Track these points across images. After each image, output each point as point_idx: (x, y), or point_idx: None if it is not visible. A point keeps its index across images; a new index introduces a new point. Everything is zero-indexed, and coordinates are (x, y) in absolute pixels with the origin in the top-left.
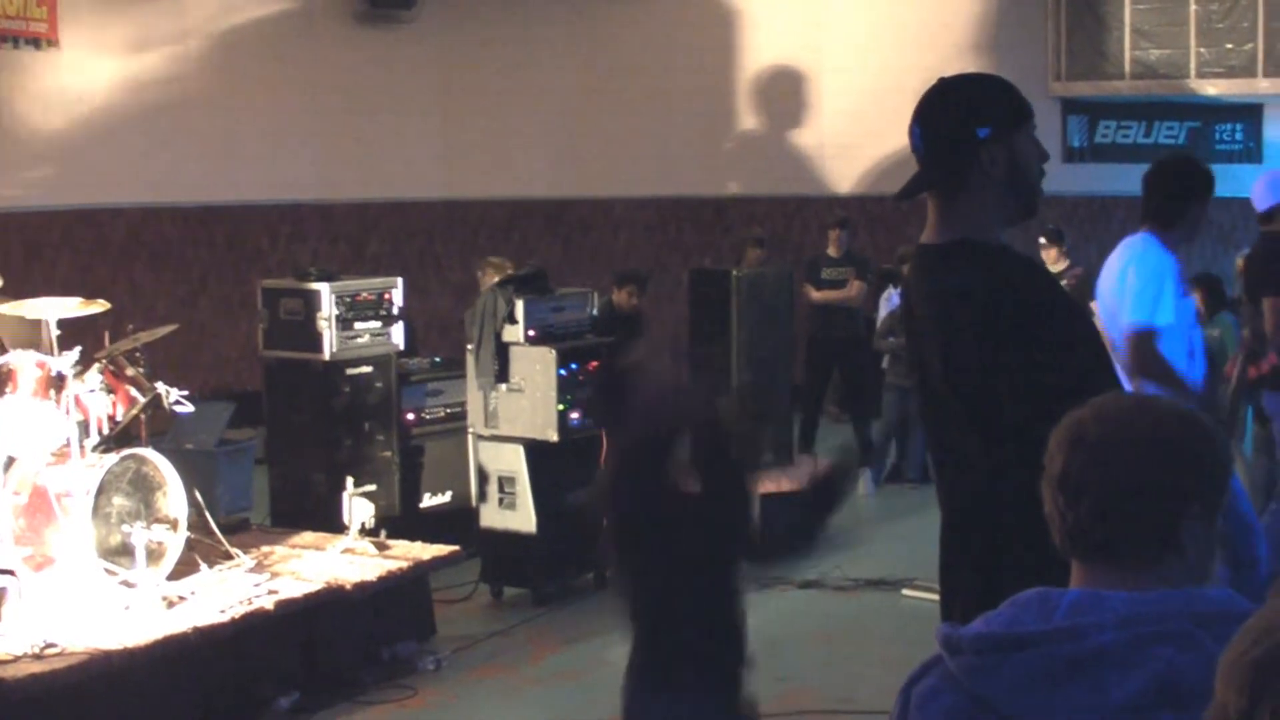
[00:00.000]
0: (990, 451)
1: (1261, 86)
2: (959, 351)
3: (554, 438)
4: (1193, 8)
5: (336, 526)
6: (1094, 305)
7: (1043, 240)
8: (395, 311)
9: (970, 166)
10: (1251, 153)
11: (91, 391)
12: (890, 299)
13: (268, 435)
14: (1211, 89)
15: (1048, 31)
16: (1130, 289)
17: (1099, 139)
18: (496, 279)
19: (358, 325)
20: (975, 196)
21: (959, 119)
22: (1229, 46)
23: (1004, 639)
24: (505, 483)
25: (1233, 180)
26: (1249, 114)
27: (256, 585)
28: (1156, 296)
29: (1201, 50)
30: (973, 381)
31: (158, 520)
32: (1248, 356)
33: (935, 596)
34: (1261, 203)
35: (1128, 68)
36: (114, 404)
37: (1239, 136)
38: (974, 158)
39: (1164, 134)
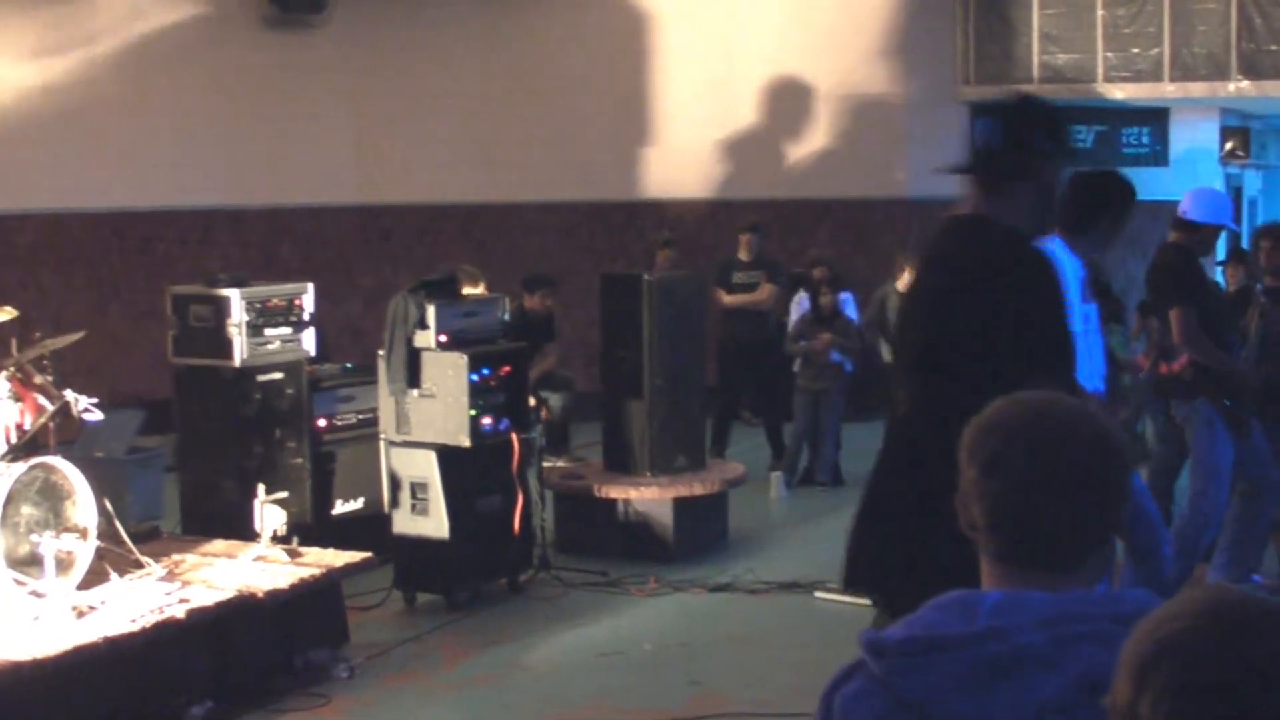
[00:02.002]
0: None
1: (1168, 90)
2: (957, 307)
3: (466, 443)
4: (1100, 13)
5: (248, 534)
6: None
7: None
8: (306, 317)
9: (1024, 169)
10: (1159, 156)
11: None
12: (801, 303)
13: (178, 442)
14: (1119, 93)
15: (956, 36)
16: None
17: None
18: (409, 288)
19: (268, 331)
20: (1016, 195)
21: (1036, 127)
22: (1135, 51)
23: (929, 641)
24: (417, 489)
25: (1140, 184)
26: (1155, 118)
27: (168, 594)
28: None
29: (1109, 55)
30: (968, 337)
31: (67, 529)
32: (1160, 355)
33: (849, 599)
34: (1195, 214)
35: (1036, 72)
36: (22, 412)
37: (1146, 140)
38: (1028, 163)
39: (1072, 138)
